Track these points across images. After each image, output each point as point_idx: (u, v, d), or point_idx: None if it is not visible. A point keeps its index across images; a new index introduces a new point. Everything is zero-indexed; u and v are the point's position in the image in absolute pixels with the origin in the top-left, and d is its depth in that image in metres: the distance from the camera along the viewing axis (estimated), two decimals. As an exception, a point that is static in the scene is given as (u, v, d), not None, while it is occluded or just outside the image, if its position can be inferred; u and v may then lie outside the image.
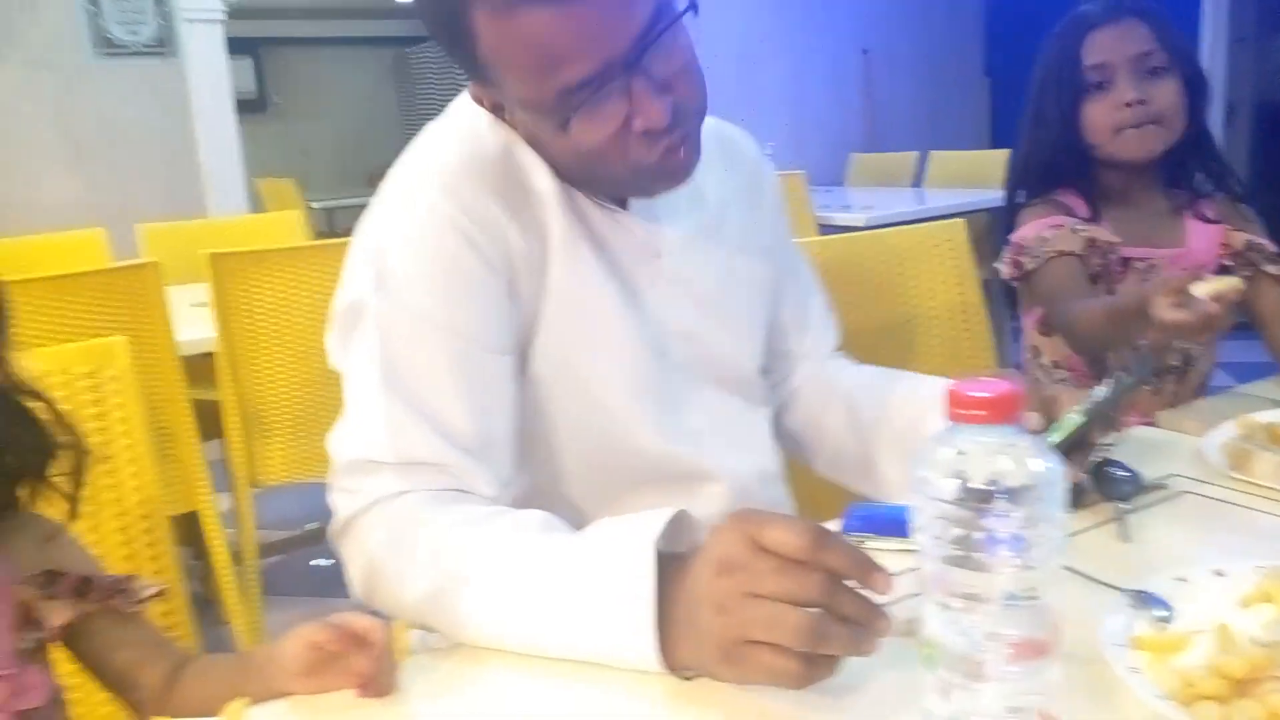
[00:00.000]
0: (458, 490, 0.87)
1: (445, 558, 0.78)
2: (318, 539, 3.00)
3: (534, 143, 0.92)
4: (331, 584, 2.73)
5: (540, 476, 0.96)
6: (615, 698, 0.70)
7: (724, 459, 1.02)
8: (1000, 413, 0.49)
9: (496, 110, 0.93)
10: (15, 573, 0.74)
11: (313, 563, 2.93)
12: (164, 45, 3.47)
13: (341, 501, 0.87)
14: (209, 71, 3.52)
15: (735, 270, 1.07)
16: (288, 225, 3.07)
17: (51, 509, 0.78)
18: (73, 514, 0.77)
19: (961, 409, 0.49)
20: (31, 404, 0.73)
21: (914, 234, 1.73)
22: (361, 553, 0.84)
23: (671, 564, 0.71)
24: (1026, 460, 0.49)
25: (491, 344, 0.90)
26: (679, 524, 0.75)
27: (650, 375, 0.98)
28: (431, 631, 0.81)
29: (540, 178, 0.93)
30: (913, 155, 4.74)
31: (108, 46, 3.41)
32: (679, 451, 1.00)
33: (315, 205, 6.11)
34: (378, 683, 0.70)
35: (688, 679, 0.70)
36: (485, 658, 0.76)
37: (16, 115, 3.27)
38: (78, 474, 0.76)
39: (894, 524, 0.86)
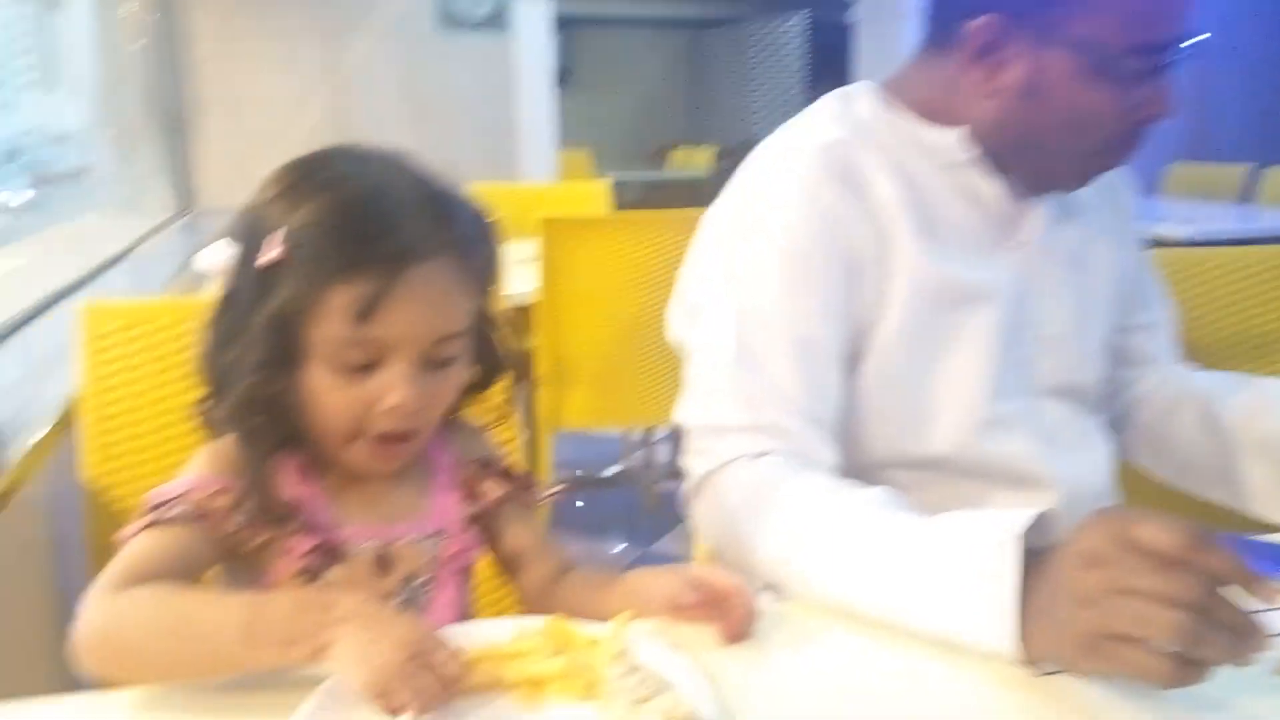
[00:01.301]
0: (803, 459, 0.92)
1: (803, 520, 0.84)
2: (583, 485, 3.22)
3: (1018, 107, 0.93)
4: (595, 528, 2.93)
5: (851, 468, 0.98)
6: (964, 678, 0.72)
7: (1059, 467, 1.01)
8: None
9: (986, 51, 0.92)
10: (462, 455, 0.89)
11: (579, 504, 3.15)
12: (498, 20, 3.77)
13: (696, 462, 0.95)
14: (534, 46, 3.78)
15: (1097, 271, 1.05)
16: (593, 194, 3.26)
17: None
18: (498, 422, 0.91)
19: None
20: (493, 331, 0.87)
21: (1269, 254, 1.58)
22: (716, 508, 0.91)
23: (1030, 558, 0.72)
24: None
25: (831, 333, 0.95)
26: (1040, 523, 0.76)
27: (996, 374, 0.98)
28: (771, 589, 0.86)
29: (887, 186, 0.96)
30: (1243, 168, 4.29)
31: (449, 21, 3.74)
32: (1014, 455, 0.99)
33: (603, 174, 6.40)
34: (739, 633, 0.77)
35: (1042, 674, 0.71)
36: (835, 617, 0.80)
37: (368, 79, 3.68)
38: (510, 391, 0.90)
39: (1265, 560, 0.82)
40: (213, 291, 0.81)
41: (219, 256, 1.79)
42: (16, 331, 1.72)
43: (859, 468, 0.98)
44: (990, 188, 0.99)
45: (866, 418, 0.99)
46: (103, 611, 0.68)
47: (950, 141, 0.97)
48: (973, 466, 0.99)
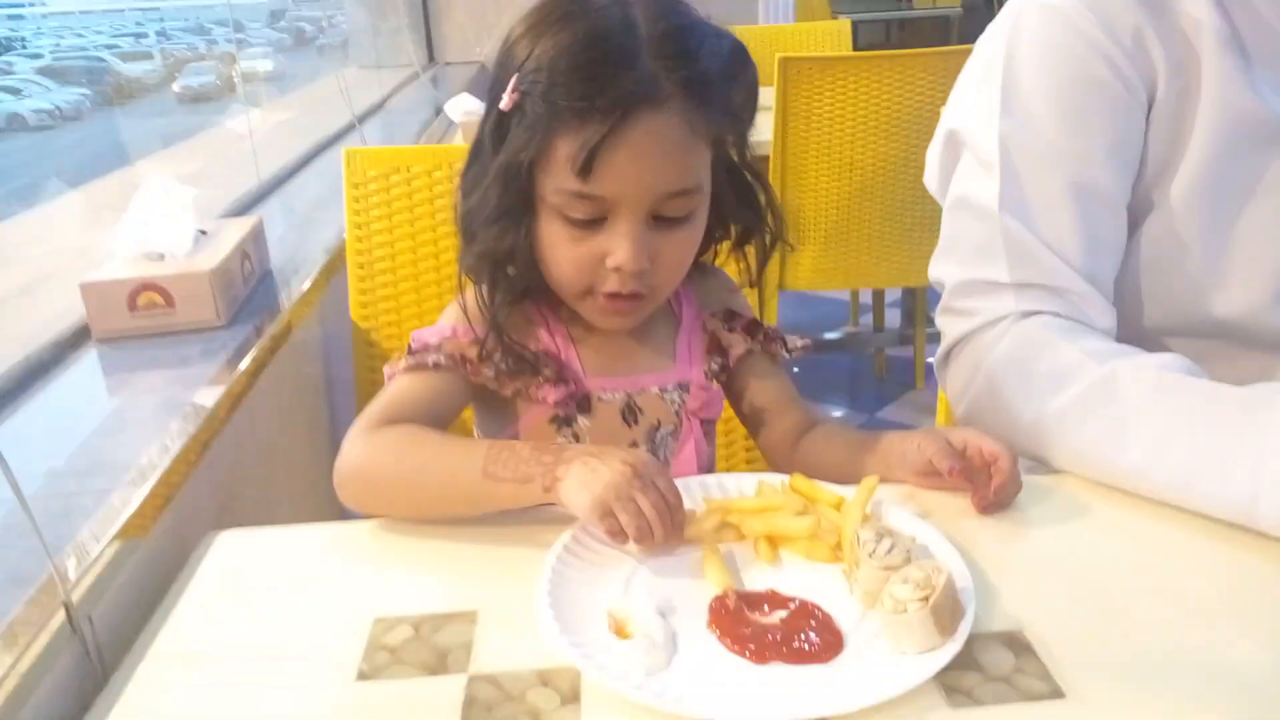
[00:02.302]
0: (1076, 321, 0.83)
1: (1082, 384, 0.76)
2: (815, 347, 3.16)
3: None
4: (816, 394, 2.88)
5: (1118, 336, 0.87)
6: (1250, 564, 0.65)
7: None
8: None
9: None
10: (707, 308, 0.87)
11: (795, 370, 3.11)
12: None
13: (953, 323, 0.88)
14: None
15: None
16: (833, 34, 3.06)
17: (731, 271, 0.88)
18: (751, 283, 0.85)
19: None
20: (753, 182, 0.81)
21: None
22: (975, 368, 0.84)
23: None
24: None
25: (1114, 178, 0.84)
26: None
27: None
28: (1036, 459, 0.80)
29: (1197, 6, 0.81)
30: None
31: None
32: None
33: (839, 16, 6.02)
34: (997, 502, 0.72)
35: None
36: (1106, 492, 0.74)
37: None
38: (767, 252, 0.83)
39: None
40: (460, 140, 0.80)
41: (463, 107, 1.83)
42: (290, 178, 1.85)
43: (1126, 337, 0.88)
44: None
45: (1146, 277, 0.88)
46: (359, 448, 0.72)
47: None
48: (1265, 336, 0.86)
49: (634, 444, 0.82)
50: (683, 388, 0.84)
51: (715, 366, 0.85)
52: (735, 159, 0.78)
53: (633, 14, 0.70)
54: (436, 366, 0.77)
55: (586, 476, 0.64)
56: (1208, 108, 0.82)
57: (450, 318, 0.81)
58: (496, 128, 0.73)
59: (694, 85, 0.70)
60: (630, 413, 0.82)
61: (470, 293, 0.80)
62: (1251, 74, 0.82)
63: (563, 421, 0.81)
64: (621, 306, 0.76)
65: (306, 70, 3.24)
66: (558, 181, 0.71)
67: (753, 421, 0.88)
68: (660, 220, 0.73)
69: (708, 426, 0.86)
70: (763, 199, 0.81)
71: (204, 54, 2.85)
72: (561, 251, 0.74)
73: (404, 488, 0.71)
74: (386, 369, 0.79)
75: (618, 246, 0.72)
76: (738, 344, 0.86)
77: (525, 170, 0.72)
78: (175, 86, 2.59)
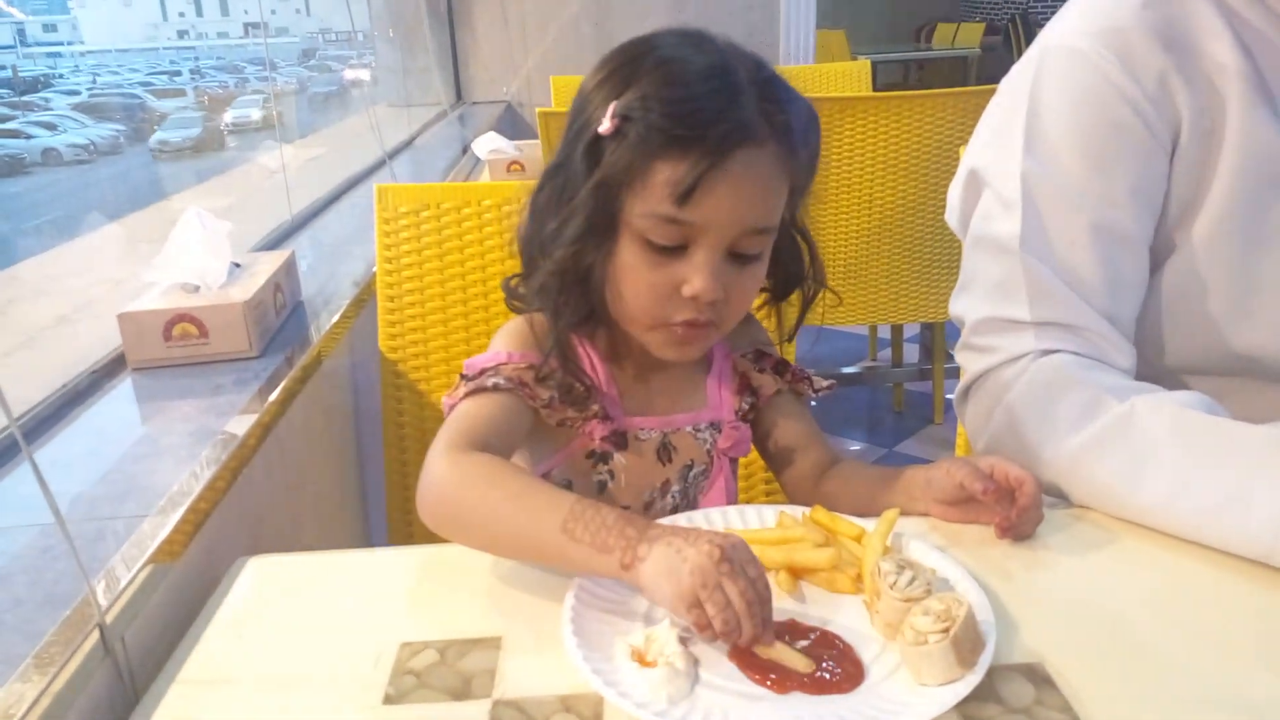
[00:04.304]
0: (1095, 359, 0.84)
1: (1102, 421, 0.76)
2: (838, 382, 3.15)
3: None
4: (833, 427, 2.87)
5: (1140, 374, 0.88)
6: (1277, 599, 0.65)
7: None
8: None
9: None
10: (737, 349, 0.89)
11: (813, 403, 3.10)
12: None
13: (973, 360, 0.89)
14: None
15: None
16: (853, 74, 3.09)
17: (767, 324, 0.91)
18: (787, 336, 0.88)
19: None
20: (799, 240, 0.83)
21: None
22: (995, 404, 0.85)
23: None
24: None
25: (1136, 220, 0.85)
26: None
27: None
28: (1056, 495, 0.80)
29: (1221, 49, 0.82)
30: None
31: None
32: None
33: (858, 57, 6.09)
34: (1019, 529, 0.72)
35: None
36: (1125, 527, 0.74)
37: (628, -36, 3.63)
38: (807, 305, 0.85)
39: None
40: (486, 177, 0.82)
41: (489, 145, 1.86)
42: (319, 215, 1.89)
43: (1146, 374, 0.89)
44: None
45: (1167, 316, 0.89)
46: (445, 471, 0.69)
47: None
48: None
49: (667, 482, 0.83)
50: (714, 427, 0.85)
51: (746, 406, 0.86)
52: (788, 215, 0.80)
53: (731, 61, 0.73)
54: (497, 388, 0.77)
55: (672, 561, 0.59)
56: (1232, 150, 0.83)
57: (503, 344, 0.81)
58: (590, 151, 0.74)
59: (787, 131, 0.72)
60: (665, 451, 0.83)
61: (523, 321, 0.81)
62: (1276, 117, 0.83)
63: (600, 457, 0.82)
64: (694, 335, 0.76)
65: (341, 106, 3.30)
66: (651, 205, 0.72)
67: (777, 459, 0.88)
68: (735, 255, 0.74)
69: (735, 464, 0.87)
70: (808, 254, 0.83)
71: (206, 92, 2.87)
72: (639, 276, 0.75)
73: (485, 525, 0.68)
74: (446, 399, 0.78)
75: (696, 275, 0.73)
76: (768, 384, 0.87)
77: (617, 193, 0.73)
78: (151, 142, 2.49)
